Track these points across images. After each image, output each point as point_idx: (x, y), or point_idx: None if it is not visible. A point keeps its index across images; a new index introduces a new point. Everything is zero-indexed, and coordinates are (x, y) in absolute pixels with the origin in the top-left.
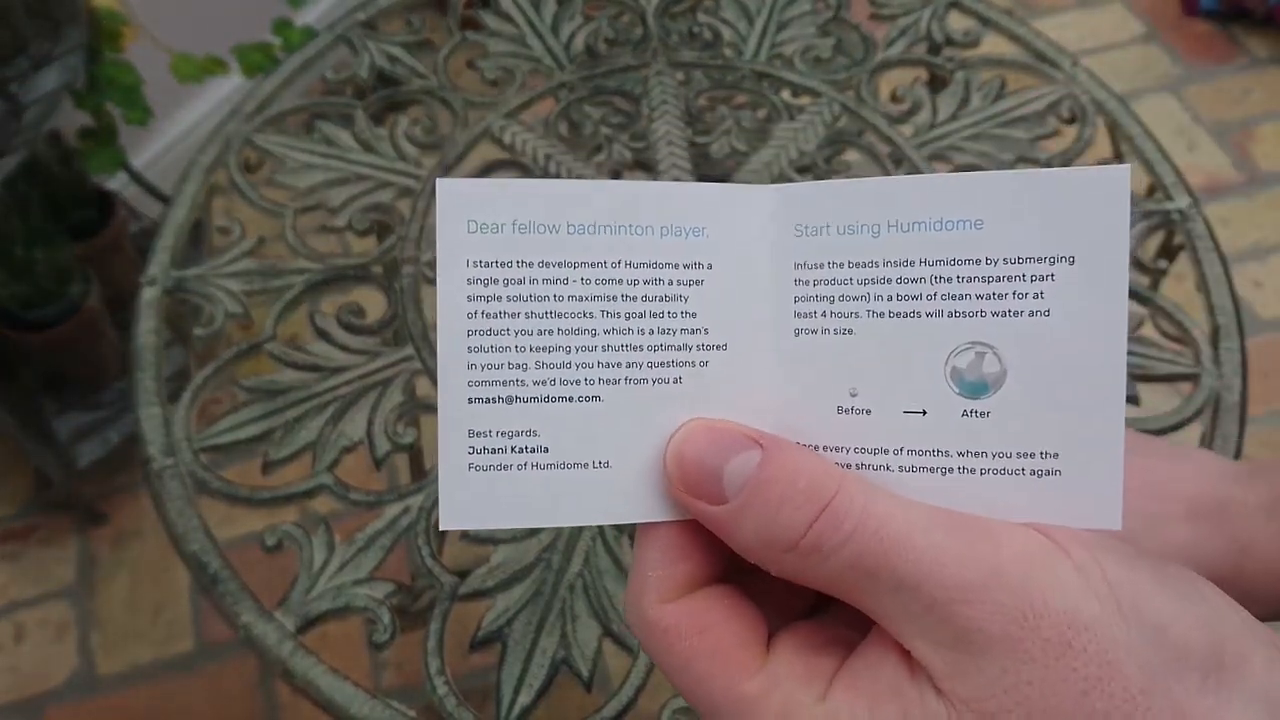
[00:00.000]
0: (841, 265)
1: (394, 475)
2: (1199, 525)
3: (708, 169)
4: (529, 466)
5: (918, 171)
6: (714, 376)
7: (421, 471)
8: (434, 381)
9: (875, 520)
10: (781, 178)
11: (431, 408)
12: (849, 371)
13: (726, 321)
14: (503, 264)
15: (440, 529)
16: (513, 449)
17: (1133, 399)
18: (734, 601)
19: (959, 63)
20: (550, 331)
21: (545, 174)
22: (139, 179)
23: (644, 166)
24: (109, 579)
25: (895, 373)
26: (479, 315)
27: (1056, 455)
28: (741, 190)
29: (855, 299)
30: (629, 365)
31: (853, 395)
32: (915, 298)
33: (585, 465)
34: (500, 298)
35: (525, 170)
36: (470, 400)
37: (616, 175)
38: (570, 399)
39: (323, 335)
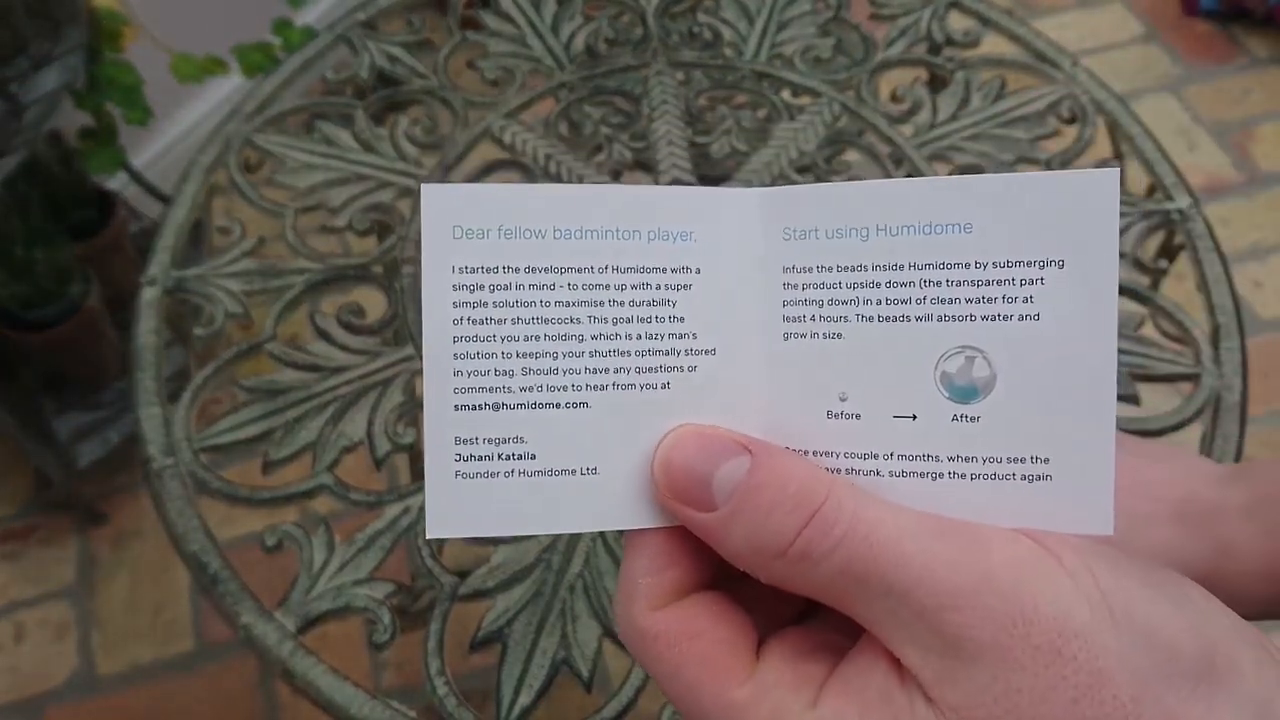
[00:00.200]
0: (830, 269)
1: (394, 475)
2: (1182, 526)
3: (708, 169)
4: (516, 474)
5: (918, 172)
6: (702, 382)
7: (421, 472)
8: None
9: (865, 526)
10: (781, 178)
11: None
12: (838, 376)
13: (715, 326)
14: (489, 270)
15: (427, 538)
16: (500, 456)
17: (1133, 399)
18: (723, 608)
19: (959, 63)
20: (537, 338)
21: (545, 174)
22: (139, 179)
23: (644, 167)
24: (109, 579)
25: (885, 377)
26: (465, 322)
27: (1047, 460)
28: (729, 194)
29: (844, 303)
30: (617, 371)
31: (842, 400)
32: (904, 301)
33: (573, 472)
34: (486, 304)
35: (525, 170)
36: (456, 407)
37: (617, 175)
38: (558, 405)
39: (323, 335)
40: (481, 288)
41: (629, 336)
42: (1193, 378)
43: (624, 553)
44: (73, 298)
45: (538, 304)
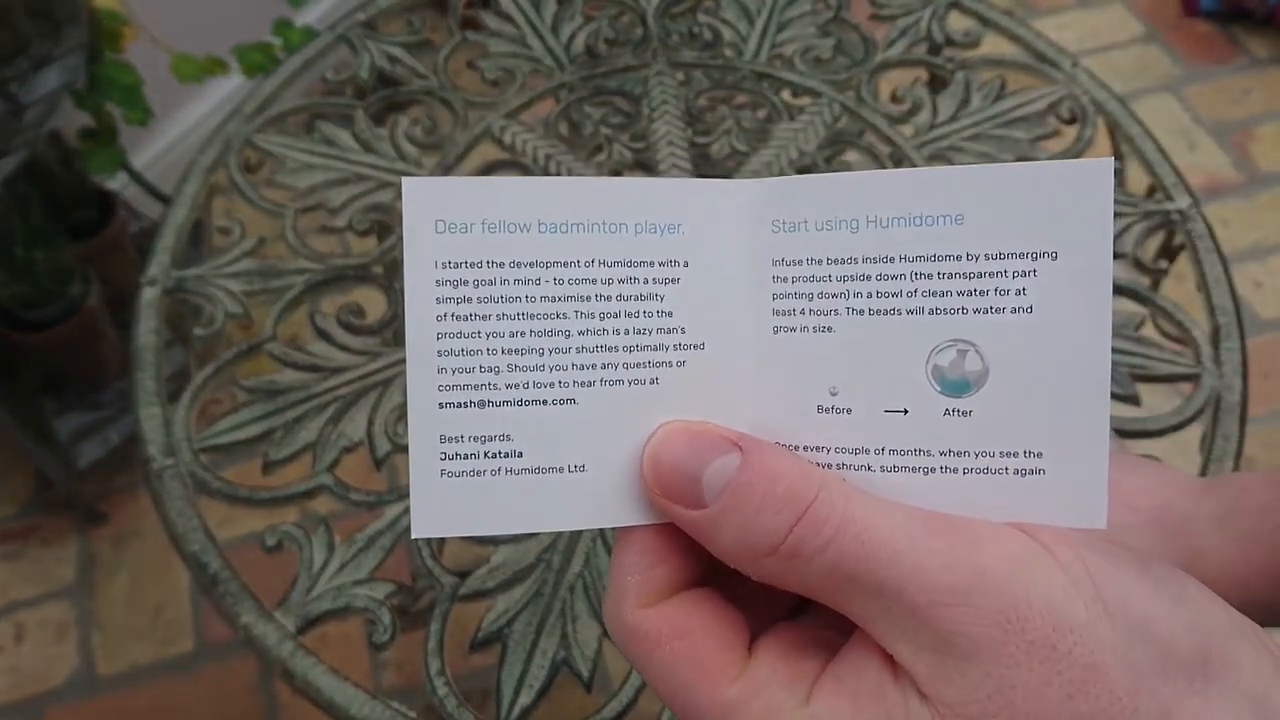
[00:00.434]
0: (820, 262)
1: (394, 475)
2: (1158, 535)
3: (708, 169)
4: (503, 472)
5: None
6: (691, 377)
7: None
8: None
9: (856, 523)
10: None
11: None
12: (829, 370)
13: (704, 320)
14: (472, 264)
15: (412, 538)
16: (486, 454)
17: (1133, 399)
18: (714, 605)
19: (959, 63)
20: (523, 333)
21: (545, 174)
22: (139, 179)
23: (644, 167)
24: (109, 579)
25: (876, 371)
26: (449, 318)
27: (1040, 454)
28: (718, 185)
29: (834, 296)
30: (604, 366)
31: (833, 394)
32: (895, 294)
33: (560, 470)
34: (470, 299)
35: (525, 170)
36: (441, 405)
37: (617, 175)
38: (544, 402)
39: (323, 335)
40: (465, 283)
41: (616, 331)
42: (1193, 378)
43: (613, 550)
44: (73, 298)
45: (523, 299)
